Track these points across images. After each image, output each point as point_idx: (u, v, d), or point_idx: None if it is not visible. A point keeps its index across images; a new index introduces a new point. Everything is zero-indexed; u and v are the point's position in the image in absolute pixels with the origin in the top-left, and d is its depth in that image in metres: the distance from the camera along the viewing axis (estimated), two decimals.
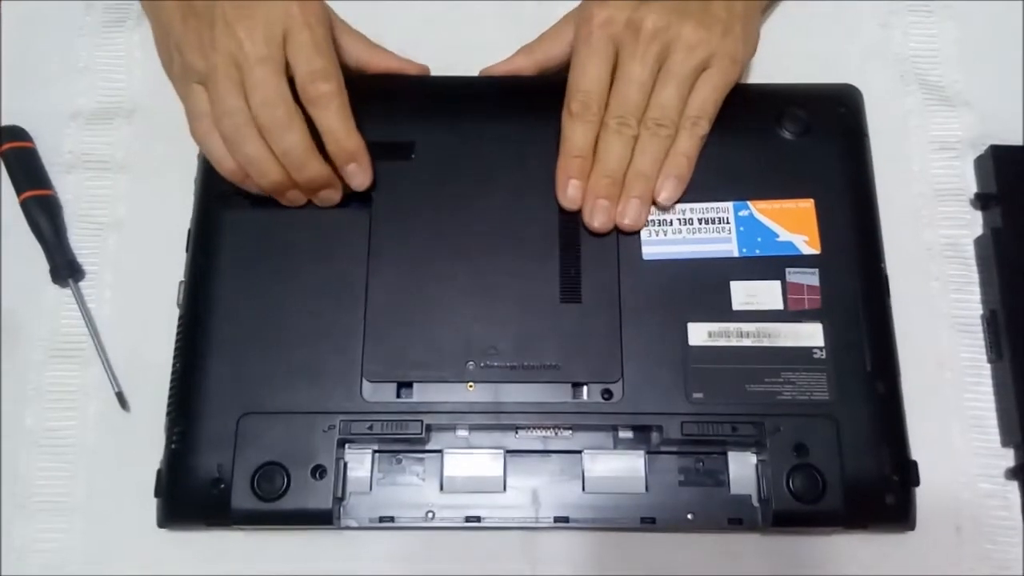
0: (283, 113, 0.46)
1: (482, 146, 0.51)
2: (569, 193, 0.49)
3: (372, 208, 0.50)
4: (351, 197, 0.49)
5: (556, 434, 0.48)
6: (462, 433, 0.48)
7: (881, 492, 0.46)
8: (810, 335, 0.48)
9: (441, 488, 0.47)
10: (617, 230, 0.50)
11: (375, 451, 0.48)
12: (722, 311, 0.48)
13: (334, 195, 0.49)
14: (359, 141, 0.48)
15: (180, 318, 0.49)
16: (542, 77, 0.53)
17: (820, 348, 0.48)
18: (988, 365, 0.51)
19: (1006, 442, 0.50)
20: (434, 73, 0.54)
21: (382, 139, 0.50)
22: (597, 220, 0.49)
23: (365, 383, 0.47)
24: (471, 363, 0.47)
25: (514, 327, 0.48)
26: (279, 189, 0.48)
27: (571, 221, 0.50)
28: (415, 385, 0.47)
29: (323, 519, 0.45)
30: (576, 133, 0.49)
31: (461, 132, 0.51)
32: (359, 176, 0.48)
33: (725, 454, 0.47)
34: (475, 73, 0.54)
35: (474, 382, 0.47)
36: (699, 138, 0.50)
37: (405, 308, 0.48)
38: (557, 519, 0.47)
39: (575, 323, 0.48)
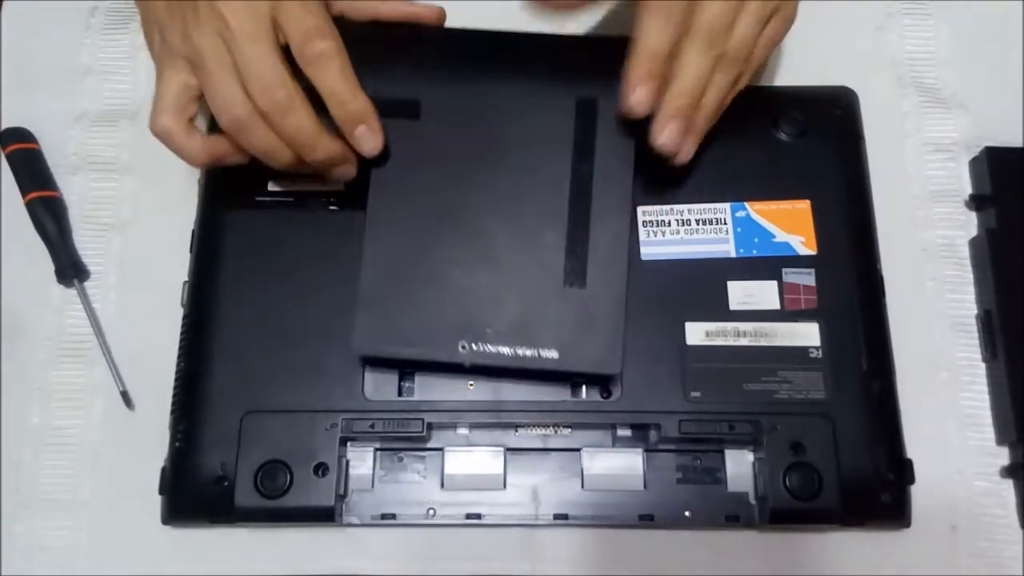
0: (283, 96, 0.42)
1: (492, 110, 0.47)
2: (633, 99, 0.43)
3: (370, 191, 0.47)
4: (353, 191, 0.47)
5: (555, 432, 0.48)
6: (463, 431, 0.48)
7: (877, 490, 0.46)
8: (806, 335, 0.48)
9: (442, 486, 0.47)
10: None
11: (377, 449, 0.48)
12: (719, 311, 0.49)
13: (349, 170, 0.46)
14: (366, 101, 0.44)
15: (184, 318, 0.49)
16: (569, 36, 0.48)
17: (816, 348, 0.48)
18: (983, 364, 0.51)
19: (1001, 440, 0.50)
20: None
21: (385, 96, 0.46)
22: (663, 138, 0.45)
23: (367, 377, 0.47)
24: (463, 344, 0.45)
25: (512, 308, 0.46)
26: (292, 169, 0.46)
27: (582, 202, 0.46)
28: (416, 384, 0.48)
29: (325, 516, 0.46)
30: (655, 29, 0.43)
31: (470, 93, 0.47)
32: (369, 140, 0.44)
33: (722, 452, 0.48)
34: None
35: (466, 363, 0.45)
36: (736, 91, 0.47)
37: (400, 280, 0.46)
38: (556, 516, 0.47)
39: (576, 308, 0.46)
